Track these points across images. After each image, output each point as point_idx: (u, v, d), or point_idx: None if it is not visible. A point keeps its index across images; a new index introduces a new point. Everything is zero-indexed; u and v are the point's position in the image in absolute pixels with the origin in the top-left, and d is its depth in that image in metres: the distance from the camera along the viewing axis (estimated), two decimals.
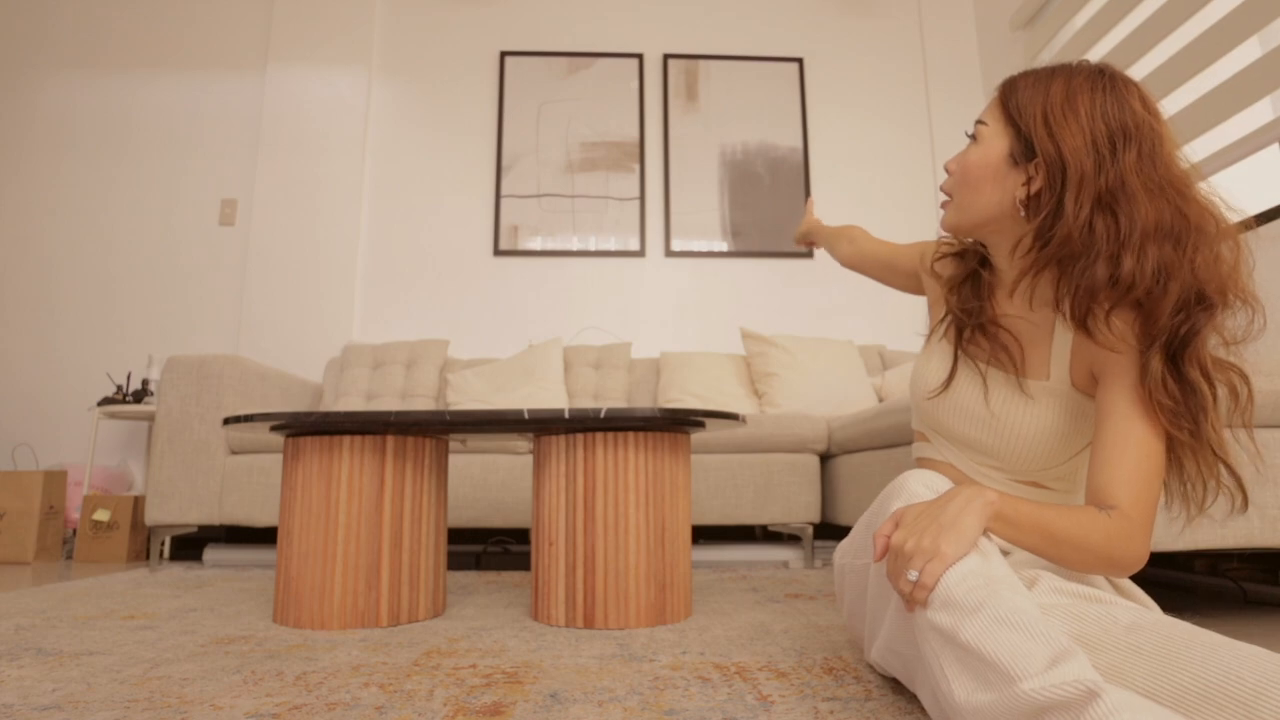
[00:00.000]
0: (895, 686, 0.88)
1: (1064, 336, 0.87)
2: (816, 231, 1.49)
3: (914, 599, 0.66)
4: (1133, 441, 0.76)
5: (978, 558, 0.66)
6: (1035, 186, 0.83)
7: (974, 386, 0.93)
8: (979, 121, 0.89)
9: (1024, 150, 0.83)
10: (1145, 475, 0.76)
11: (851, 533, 0.96)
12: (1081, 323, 0.78)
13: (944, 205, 0.93)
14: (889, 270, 1.22)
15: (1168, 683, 0.59)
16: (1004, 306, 0.93)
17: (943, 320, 1.00)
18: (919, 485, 0.78)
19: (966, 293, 0.95)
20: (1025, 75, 0.87)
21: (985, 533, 0.70)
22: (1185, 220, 0.77)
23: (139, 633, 1.24)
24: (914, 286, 1.17)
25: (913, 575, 0.66)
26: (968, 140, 0.91)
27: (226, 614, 1.42)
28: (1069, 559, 0.73)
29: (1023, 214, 0.84)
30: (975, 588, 0.62)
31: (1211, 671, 0.57)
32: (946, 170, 0.92)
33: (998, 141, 0.86)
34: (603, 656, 1.07)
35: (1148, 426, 0.77)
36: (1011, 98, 0.86)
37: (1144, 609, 0.69)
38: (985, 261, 0.97)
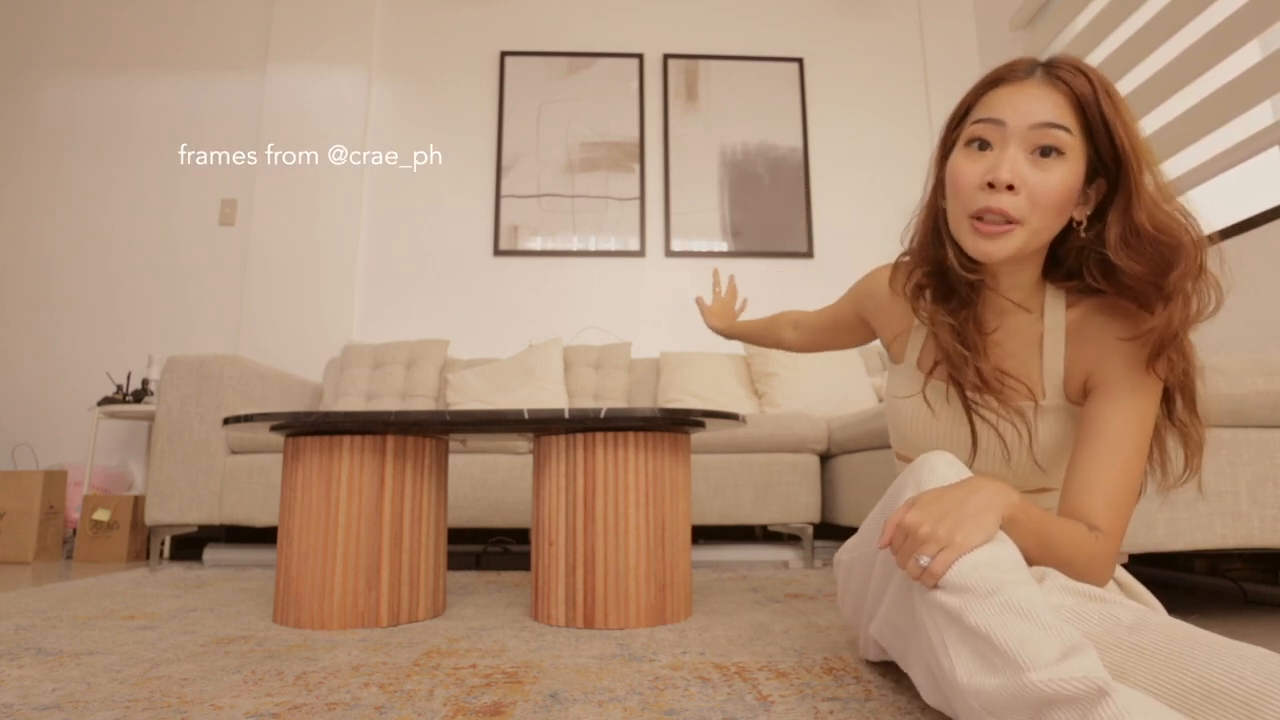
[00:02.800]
0: (895, 687, 0.88)
1: (1055, 351, 0.85)
2: (739, 331, 1.40)
3: (922, 582, 0.65)
4: (1120, 464, 0.76)
5: (993, 547, 0.65)
6: (1094, 202, 0.80)
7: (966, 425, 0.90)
8: (1059, 126, 0.75)
9: (1100, 164, 0.78)
10: (1129, 500, 0.77)
11: (862, 526, 0.95)
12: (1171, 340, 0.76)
13: (1001, 231, 0.77)
14: (838, 334, 1.16)
15: (1171, 683, 0.58)
16: (990, 329, 0.89)
17: (925, 354, 0.93)
18: (945, 465, 0.74)
19: (955, 332, 0.86)
20: (1086, 71, 0.77)
21: None
22: None
23: (139, 633, 1.24)
24: (862, 338, 1.13)
25: (924, 560, 0.65)
26: (1033, 150, 0.76)
27: (226, 614, 1.42)
28: (1046, 565, 0.73)
29: (1083, 232, 0.80)
30: (988, 576, 0.62)
31: (1215, 673, 0.56)
32: (1005, 186, 0.75)
33: (1079, 158, 0.77)
34: (603, 656, 1.07)
35: (1137, 449, 0.77)
36: (1091, 105, 0.76)
37: (1147, 609, 0.69)
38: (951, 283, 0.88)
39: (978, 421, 0.87)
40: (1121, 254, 0.76)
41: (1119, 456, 0.77)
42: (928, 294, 0.89)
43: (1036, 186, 0.76)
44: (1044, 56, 0.83)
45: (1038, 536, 0.72)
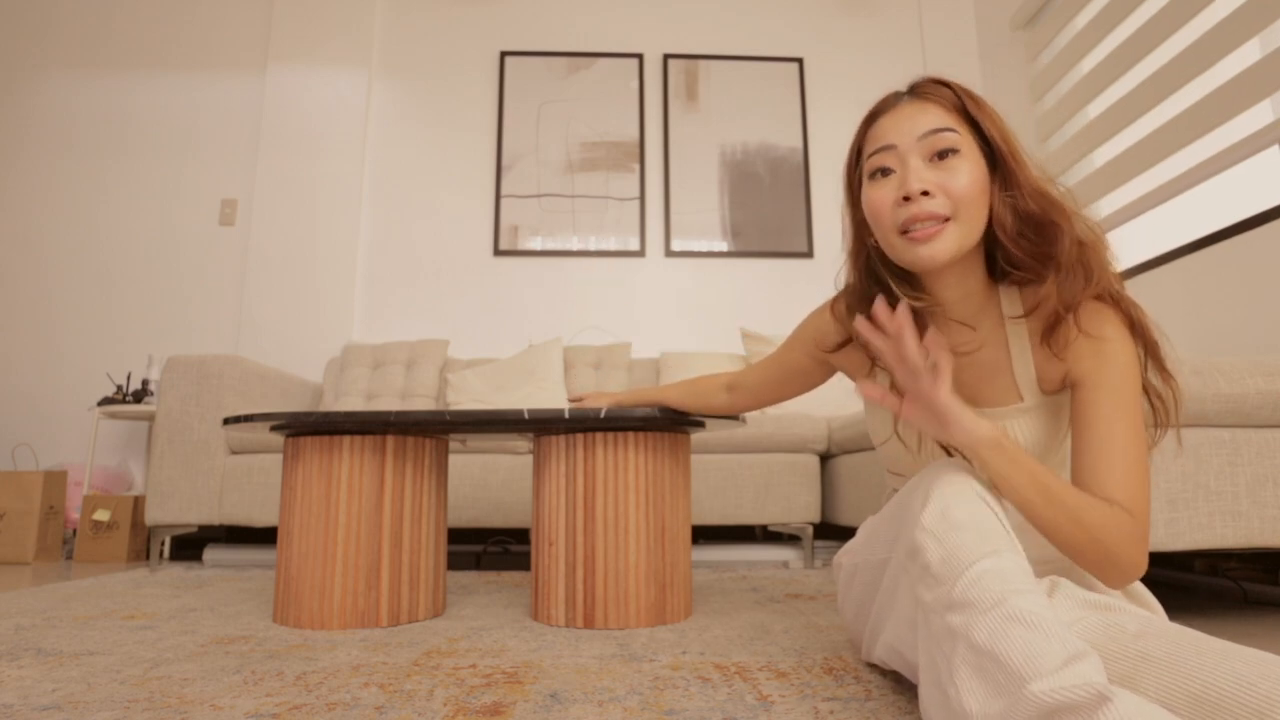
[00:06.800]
0: (895, 687, 0.88)
1: (1022, 352, 0.86)
2: (640, 398, 1.35)
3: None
4: (1119, 444, 0.76)
5: (996, 556, 0.64)
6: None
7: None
8: (944, 128, 0.80)
9: (993, 160, 0.82)
10: (1140, 475, 0.76)
11: (862, 530, 0.95)
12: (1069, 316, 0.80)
13: (934, 233, 0.79)
14: (790, 382, 1.15)
15: (1180, 691, 0.58)
16: (950, 345, 0.89)
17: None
18: (953, 474, 0.74)
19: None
20: (945, 82, 0.84)
21: (994, 497, 0.72)
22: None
23: (139, 633, 1.24)
24: (818, 380, 1.13)
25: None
26: (930, 157, 0.80)
27: (226, 614, 1.42)
28: (1063, 529, 0.72)
29: (1014, 231, 0.81)
30: (991, 587, 0.61)
31: (1224, 679, 0.56)
32: (921, 194, 0.79)
33: (974, 151, 0.81)
34: (603, 656, 1.07)
35: (1132, 427, 0.77)
36: (960, 107, 0.82)
37: (1152, 616, 0.68)
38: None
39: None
40: (1012, 235, 0.80)
41: (1116, 436, 0.76)
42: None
43: (948, 184, 0.79)
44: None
45: (1033, 478, 0.73)
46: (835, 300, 1.02)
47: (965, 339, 0.89)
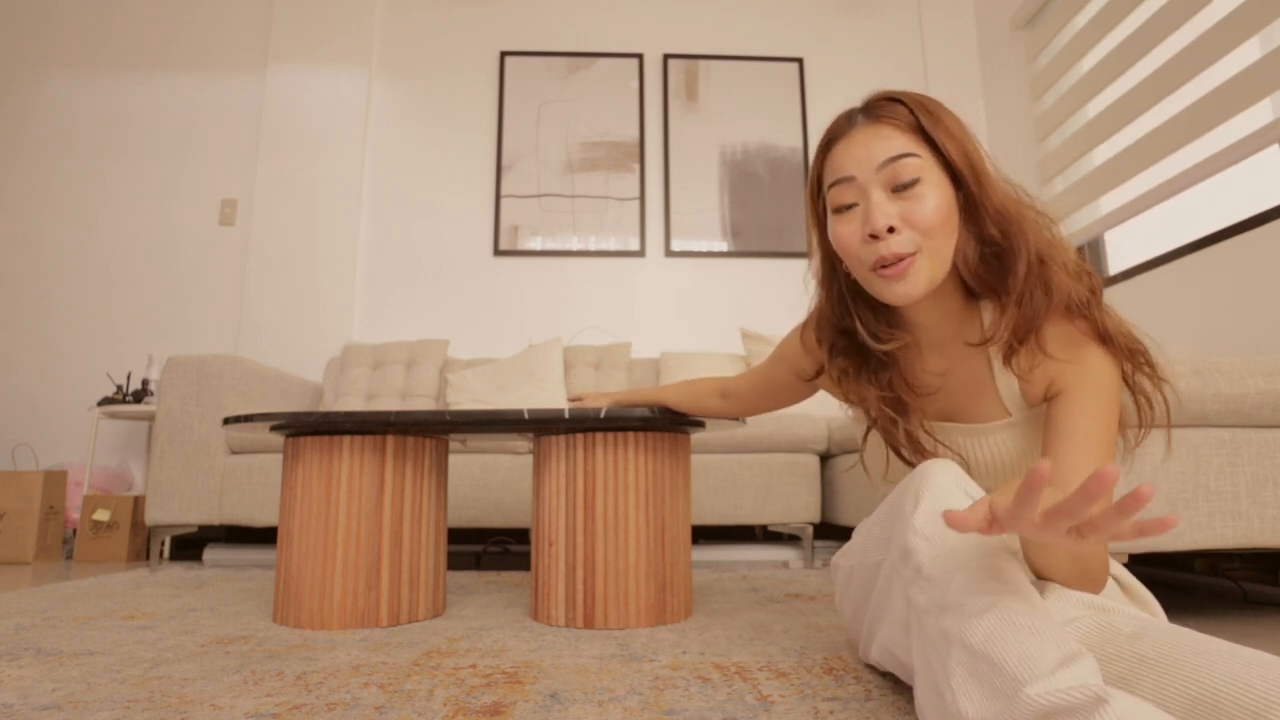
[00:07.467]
0: (895, 687, 0.88)
1: (1004, 369, 0.85)
2: (639, 398, 1.35)
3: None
4: (1094, 455, 0.76)
5: (985, 558, 0.64)
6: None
7: None
8: (902, 155, 0.77)
9: (957, 183, 0.80)
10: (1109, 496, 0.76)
11: (858, 532, 0.95)
12: (1025, 342, 0.79)
13: (904, 270, 0.77)
14: (775, 395, 1.15)
15: (1176, 693, 0.57)
16: (928, 368, 0.89)
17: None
18: (944, 475, 0.74)
19: (885, 401, 0.88)
20: (899, 97, 0.81)
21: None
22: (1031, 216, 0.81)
23: (139, 633, 1.24)
24: (802, 395, 1.12)
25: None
26: (893, 187, 0.78)
27: (226, 614, 1.42)
28: (1071, 568, 0.72)
29: (975, 262, 0.81)
30: (985, 588, 0.61)
31: (1221, 680, 0.55)
32: (886, 231, 0.76)
33: (938, 174, 0.78)
34: (603, 656, 1.07)
35: (1103, 440, 0.77)
36: (915, 125, 0.79)
37: (1147, 616, 0.68)
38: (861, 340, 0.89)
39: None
40: (974, 268, 0.80)
41: (1092, 455, 0.76)
42: (850, 373, 0.91)
43: (913, 216, 0.77)
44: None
45: (1077, 556, 0.70)
46: (804, 330, 1.02)
47: (944, 363, 0.88)
